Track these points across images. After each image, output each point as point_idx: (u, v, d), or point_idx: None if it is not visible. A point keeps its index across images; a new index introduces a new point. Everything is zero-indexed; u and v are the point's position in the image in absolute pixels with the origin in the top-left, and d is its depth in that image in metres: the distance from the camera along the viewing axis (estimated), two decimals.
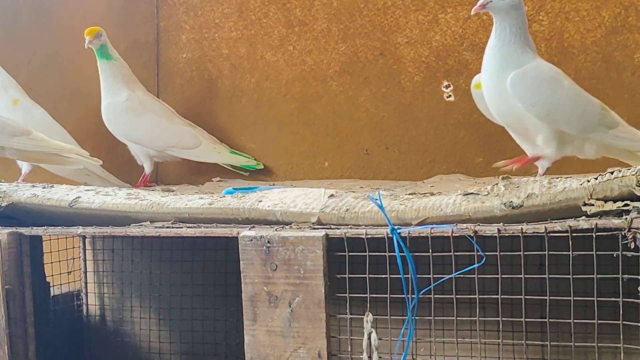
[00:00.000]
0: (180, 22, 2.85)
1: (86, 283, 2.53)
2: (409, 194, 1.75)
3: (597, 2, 2.37)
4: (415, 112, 2.57)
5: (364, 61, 2.62)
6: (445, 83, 2.54)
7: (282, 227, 1.54)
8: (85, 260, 2.53)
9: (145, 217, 1.70)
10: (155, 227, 1.65)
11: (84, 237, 2.45)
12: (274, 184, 2.56)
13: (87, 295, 2.54)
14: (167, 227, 1.64)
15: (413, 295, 1.41)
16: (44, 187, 1.86)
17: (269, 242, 1.49)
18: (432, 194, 1.68)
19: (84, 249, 2.52)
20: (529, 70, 1.83)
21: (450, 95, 2.53)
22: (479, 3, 1.85)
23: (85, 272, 2.54)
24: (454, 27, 2.52)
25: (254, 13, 2.76)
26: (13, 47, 3.04)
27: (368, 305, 1.46)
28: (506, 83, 1.81)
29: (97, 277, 2.51)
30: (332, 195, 1.60)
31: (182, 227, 1.63)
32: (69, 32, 2.96)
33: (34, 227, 1.75)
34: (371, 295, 1.46)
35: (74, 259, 2.46)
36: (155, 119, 2.62)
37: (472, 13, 1.91)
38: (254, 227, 1.57)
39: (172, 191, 2.34)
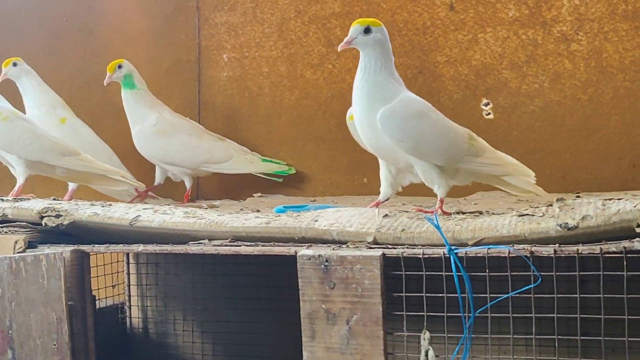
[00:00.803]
0: (222, 41, 2.91)
1: (130, 296, 2.58)
2: (456, 212, 1.81)
3: (635, 23, 2.41)
4: None
5: (403, 79, 2.61)
6: (485, 101, 2.58)
7: (339, 246, 1.58)
8: (129, 273, 2.57)
9: (203, 235, 1.74)
10: (214, 245, 1.70)
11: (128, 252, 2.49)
12: (314, 200, 2.61)
13: (130, 308, 2.59)
14: (226, 245, 1.69)
15: (469, 314, 1.45)
16: (103, 206, 1.91)
17: (327, 261, 1.53)
18: (480, 213, 1.74)
19: (128, 263, 2.57)
20: (397, 106, 1.82)
21: (489, 113, 2.57)
22: (344, 40, 1.87)
23: (129, 286, 2.58)
24: (494, 46, 2.56)
25: (294, 33, 2.82)
26: (57, 65, 3.12)
27: (425, 323, 1.50)
28: (375, 118, 1.81)
29: (141, 291, 2.55)
30: (386, 215, 1.64)
31: (240, 246, 1.68)
32: (112, 51, 3.02)
33: (96, 245, 1.80)
34: (428, 313, 1.50)
35: (118, 272, 2.52)
36: (186, 138, 2.67)
37: (339, 50, 1.92)
38: (311, 245, 1.61)
39: (216, 207, 2.40)
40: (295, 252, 1.57)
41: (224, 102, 2.92)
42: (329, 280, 1.53)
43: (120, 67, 2.59)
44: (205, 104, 2.92)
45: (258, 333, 2.34)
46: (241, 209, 2.27)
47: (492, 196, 2.43)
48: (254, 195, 2.79)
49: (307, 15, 2.80)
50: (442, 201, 1.87)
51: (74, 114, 2.81)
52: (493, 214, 1.69)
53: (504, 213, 1.67)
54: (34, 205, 1.90)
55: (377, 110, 1.81)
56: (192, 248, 1.71)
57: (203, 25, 2.93)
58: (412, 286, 1.51)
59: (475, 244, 1.48)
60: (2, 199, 2.04)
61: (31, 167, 2.42)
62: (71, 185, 2.69)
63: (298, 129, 2.81)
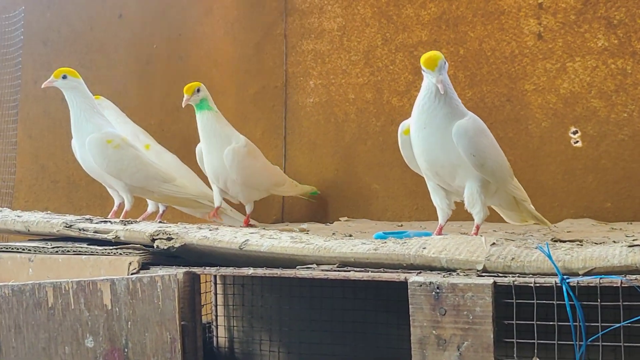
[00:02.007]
0: (309, 68, 2.98)
1: (216, 316, 2.64)
2: (553, 240, 1.83)
3: None
4: (543, 157, 2.63)
5: (490, 107, 2.69)
6: (573, 129, 2.59)
7: (449, 274, 1.61)
8: (216, 294, 2.63)
9: (311, 260, 1.78)
10: (323, 270, 1.74)
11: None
12: (401, 225, 2.64)
13: (217, 328, 2.65)
14: (335, 270, 1.73)
15: (581, 342, 1.48)
16: (211, 230, 1.97)
17: (438, 288, 1.57)
18: (580, 242, 1.76)
19: (215, 283, 2.63)
20: (470, 122, 1.92)
21: (577, 141, 2.58)
22: (436, 82, 1.87)
23: (216, 305, 2.64)
24: (582, 75, 2.58)
25: (381, 60, 2.87)
26: (147, 90, 3.21)
27: (536, 350, 1.53)
28: (449, 132, 1.89)
29: (227, 311, 2.60)
30: (494, 244, 1.67)
31: (349, 271, 1.72)
32: (201, 76, 3.07)
33: (207, 267, 1.86)
34: (539, 341, 1.53)
35: (205, 292, 2.57)
36: (265, 161, 2.74)
37: (439, 88, 1.91)
38: (420, 272, 1.65)
39: (306, 231, 2.45)
40: (406, 279, 1.60)
41: (310, 127, 2.98)
42: (440, 307, 1.57)
43: (198, 90, 2.61)
44: (292, 129, 2.99)
45: (341, 355, 2.37)
46: (333, 233, 2.32)
47: (581, 223, 2.44)
48: (340, 219, 2.83)
49: (394, 44, 2.85)
50: (478, 228, 1.97)
51: (157, 141, 2.90)
52: (595, 243, 1.72)
53: (603, 242, 1.69)
54: (145, 228, 1.96)
55: (451, 126, 1.89)
56: (302, 272, 1.75)
57: (290, 53, 3.00)
58: (522, 314, 1.53)
59: (587, 274, 1.51)
60: (110, 222, 2.11)
61: (133, 191, 2.52)
62: (161, 207, 2.77)
63: (384, 154, 2.86)
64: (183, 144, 2.99)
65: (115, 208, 2.59)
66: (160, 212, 2.79)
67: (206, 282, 2.60)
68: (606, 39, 2.56)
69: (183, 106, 2.61)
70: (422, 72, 1.89)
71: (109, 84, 3.22)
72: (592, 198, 2.56)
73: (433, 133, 1.93)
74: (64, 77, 2.52)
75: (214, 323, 2.67)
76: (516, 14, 2.68)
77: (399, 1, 2.84)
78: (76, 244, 1.99)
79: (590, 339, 1.48)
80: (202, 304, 2.53)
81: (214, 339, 2.67)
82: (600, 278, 1.47)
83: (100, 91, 2.99)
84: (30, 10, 3.32)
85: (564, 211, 2.56)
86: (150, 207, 2.75)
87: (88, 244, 2.00)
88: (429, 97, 1.92)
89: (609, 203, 2.53)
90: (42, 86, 2.53)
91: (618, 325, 1.47)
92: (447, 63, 1.90)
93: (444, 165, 1.95)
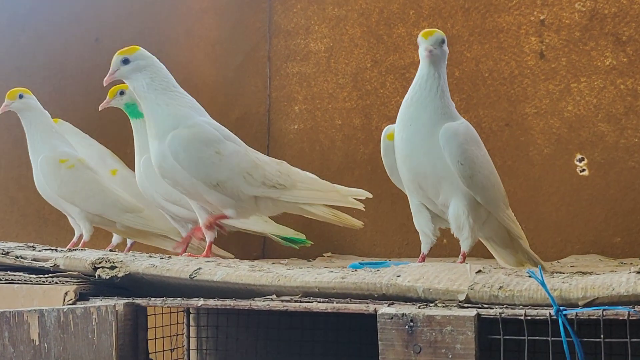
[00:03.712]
0: (293, 92, 2.79)
1: None
2: (553, 272, 1.61)
3: None
4: (545, 186, 2.43)
5: (487, 132, 2.50)
6: (579, 156, 2.40)
7: (426, 305, 1.39)
8: (188, 337, 2.45)
9: (270, 290, 1.57)
10: (283, 301, 1.51)
11: (187, 313, 2.36)
12: (389, 260, 2.43)
13: None
14: (296, 301, 1.50)
15: None
16: (162, 258, 1.77)
17: (412, 321, 1.34)
18: (584, 273, 1.53)
19: (188, 325, 2.44)
20: (461, 126, 1.73)
21: (584, 170, 2.39)
22: (425, 50, 1.71)
23: (188, 350, 2.45)
24: (588, 97, 2.39)
25: (370, 83, 2.69)
26: (124, 118, 3.02)
27: None
28: (436, 135, 1.70)
29: (201, 356, 2.42)
30: (479, 271, 1.45)
31: (312, 302, 1.49)
32: None
33: (152, 298, 1.64)
34: None
35: (177, 335, 2.37)
36: None
37: (426, 58, 1.73)
38: (393, 303, 1.42)
39: (284, 264, 2.24)
40: (375, 310, 1.39)
41: (293, 156, 2.77)
42: (415, 344, 1.34)
43: (122, 93, 2.32)
44: (274, 157, 2.77)
45: None
46: (312, 267, 2.12)
47: (587, 259, 2.23)
48: (324, 255, 2.62)
49: (385, 65, 2.66)
50: (464, 256, 1.76)
51: (125, 165, 2.68)
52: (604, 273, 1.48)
53: (614, 271, 1.47)
54: (87, 256, 1.77)
55: (439, 125, 1.70)
56: (258, 303, 1.53)
57: (274, 76, 2.82)
58: (512, 352, 1.32)
59: (587, 305, 1.27)
60: (56, 250, 1.92)
61: (91, 220, 2.29)
62: (129, 240, 2.55)
63: (372, 185, 2.63)
64: None
65: (74, 239, 2.38)
66: (128, 245, 2.57)
67: (178, 323, 2.40)
68: (614, 57, 2.37)
69: (99, 109, 2.31)
70: (419, 46, 1.73)
71: (84, 111, 3.04)
72: (599, 232, 2.36)
73: (419, 131, 1.72)
74: (21, 96, 2.34)
75: None
76: (516, 32, 2.49)
77: (390, 20, 2.65)
78: (10, 273, 1.78)
79: None
80: (174, 347, 2.37)
81: None
82: (604, 309, 1.24)
83: (74, 118, 2.82)
84: (3, 33, 3.17)
85: (569, 246, 2.34)
86: (115, 238, 2.53)
87: (27, 273, 1.80)
88: (420, 84, 1.73)
89: (619, 237, 2.32)
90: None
91: None
92: (446, 45, 1.74)
93: (427, 175, 1.73)
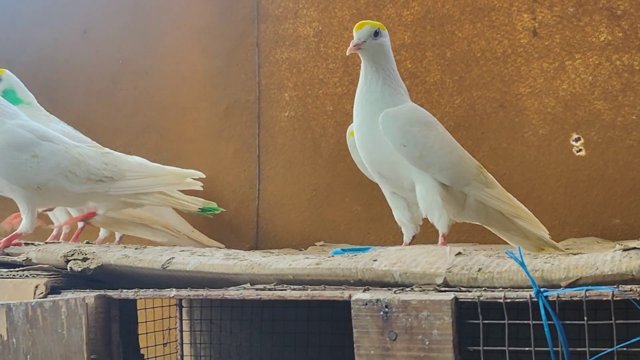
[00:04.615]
0: (283, 79, 2.71)
1: (182, 356, 2.38)
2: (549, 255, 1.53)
3: None
4: (541, 168, 2.34)
5: (481, 114, 2.41)
6: (575, 136, 2.30)
7: (402, 290, 1.32)
8: (182, 331, 2.39)
9: (244, 279, 1.51)
10: (256, 290, 1.45)
11: (180, 307, 2.31)
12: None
13: None
14: (269, 290, 1.44)
15: None
16: (137, 248, 1.72)
17: (386, 306, 1.28)
18: (574, 254, 1.45)
19: (181, 319, 2.38)
20: (402, 109, 1.73)
21: (580, 149, 2.29)
22: (352, 43, 1.74)
23: (182, 344, 2.40)
24: (584, 75, 2.29)
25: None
26: (112, 110, 2.99)
27: None
28: (377, 123, 1.70)
29: (195, 350, 2.36)
30: (459, 253, 1.38)
31: (285, 290, 1.43)
32: (169, 93, 2.88)
33: (124, 290, 1.58)
34: None
35: (169, 329, 2.32)
36: None
37: (347, 54, 1.80)
38: (368, 289, 1.35)
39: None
40: (349, 297, 1.32)
41: (285, 144, 2.70)
42: (390, 331, 1.28)
43: None
44: (266, 146, 2.71)
45: None
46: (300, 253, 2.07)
47: (584, 242, 2.14)
48: (316, 244, 2.55)
49: None
50: (444, 237, 1.72)
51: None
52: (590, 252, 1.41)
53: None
54: (60, 248, 1.71)
55: (380, 113, 1.71)
56: (230, 292, 1.47)
57: (263, 63, 2.74)
58: (493, 338, 1.25)
59: (570, 285, 1.20)
60: (33, 244, 1.86)
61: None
62: (117, 235, 2.49)
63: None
64: None
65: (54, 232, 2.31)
66: (117, 239, 2.52)
67: (170, 317, 2.35)
68: (609, 32, 2.27)
69: None
70: None
71: (73, 104, 3.01)
72: (598, 214, 2.26)
73: (365, 123, 1.73)
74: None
75: None
76: (508, 9, 2.40)
77: (379, 1, 2.57)
78: None
79: None
80: (166, 341, 2.32)
81: None
82: (587, 290, 1.17)
83: (63, 111, 2.76)
84: None
85: (567, 229, 2.25)
86: (102, 232, 2.47)
87: None
88: (361, 79, 1.77)
89: (618, 219, 2.23)
90: None
91: (609, 350, 1.15)
92: (383, 36, 1.74)
93: (382, 163, 1.74)
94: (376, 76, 1.74)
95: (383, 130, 1.69)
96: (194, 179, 2.09)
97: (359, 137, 1.77)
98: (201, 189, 2.12)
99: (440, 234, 1.71)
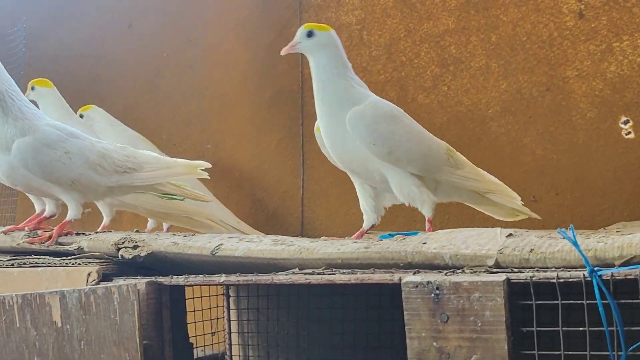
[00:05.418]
0: None
1: (230, 345, 2.38)
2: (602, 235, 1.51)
3: None
4: (590, 152, 2.32)
5: (528, 98, 2.40)
6: (624, 119, 2.28)
7: (453, 272, 1.31)
8: (229, 320, 2.40)
9: (292, 264, 1.52)
10: (305, 274, 1.46)
11: (227, 297, 2.32)
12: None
13: (231, 358, 2.40)
14: (318, 274, 1.44)
15: (620, 353, 1.15)
16: (185, 236, 1.73)
17: (437, 288, 1.27)
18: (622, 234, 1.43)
19: (228, 309, 2.40)
20: (367, 107, 1.76)
21: (629, 132, 2.26)
22: (288, 45, 1.84)
23: (230, 333, 2.40)
24: (632, 56, 2.27)
25: (404, 54, 2.60)
26: (158, 103, 3.01)
27: None
28: (344, 122, 1.74)
29: (242, 339, 2.36)
30: (510, 235, 1.37)
31: (334, 274, 1.43)
32: (213, 85, 2.90)
33: (174, 277, 1.59)
34: (566, 352, 1.20)
35: (217, 319, 2.34)
36: None
37: (282, 54, 1.87)
38: (418, 271, 1.35)
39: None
40: (400, 280, 1.31)
41: None
42: (442, 313, 1.27)
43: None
44: (310, 135, 2.71)
45: None
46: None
47: (635, 225, 2.10)
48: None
49: (419, 34, 2.57)
50: (430, 221, 1.76)
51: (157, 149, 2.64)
52: None
53: None
54: (111, 237, 1.74)
55: (345, 114, 1.73)
56: (280, 277, 1.47)
57: None
58: (545, 318, 1.23)
59: (624, 264, 1.18)
60: (84, 234, 1.89)
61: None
62: (165, 225, 2.52)
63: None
64: (195, 158, 2.74)
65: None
66: (165, 229, 2.54)
67: (217, 307, 2.36)
68: None
69: None
70: None
71: (119, 98, 3.05)
72: None
73: (329, 122, 1.77)
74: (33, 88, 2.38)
75: (228, 353, 2.43)
76: None
77: None
78: (34, 256, 1.77)
79: (631, 348, 1.14)
80: (215, 330, 2.34)
81: None
82: None
83: (109, 106, 2.80)
84: (34, 25, 3.17)
85: (616, 214, 2.23)
86: (151, 223, 2.50)
87: (51, 257, 1.78)
88: (313, 78, 1.81)
89: None
90: None
91: None
92: (318, 36, 1.80)
93: (351, 160, 1.78)
94: (326, 74, 1.78)
95: (352, 131, 1.72)
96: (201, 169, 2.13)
97: (327, 139, 1.80)
98: (209, 177, 2.13)
99: (427, 219, 1.76)
